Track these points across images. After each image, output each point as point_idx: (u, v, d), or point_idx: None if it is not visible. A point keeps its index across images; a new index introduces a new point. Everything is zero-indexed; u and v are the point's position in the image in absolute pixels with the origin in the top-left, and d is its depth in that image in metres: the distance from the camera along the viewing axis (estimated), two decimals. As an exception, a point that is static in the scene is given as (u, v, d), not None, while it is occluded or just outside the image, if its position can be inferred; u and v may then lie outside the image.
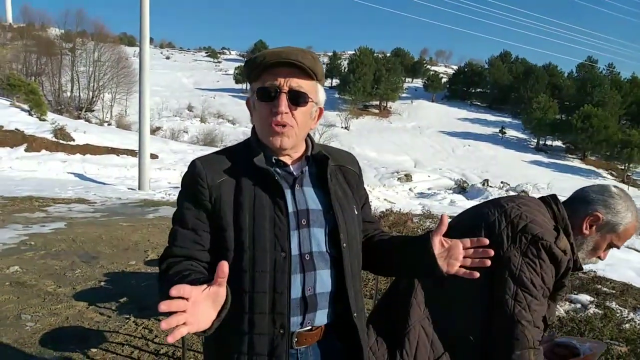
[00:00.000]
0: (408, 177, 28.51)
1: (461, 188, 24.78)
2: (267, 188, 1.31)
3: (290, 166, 1.39)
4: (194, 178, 1.32)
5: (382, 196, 19.47)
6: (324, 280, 1.33)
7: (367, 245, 1.52)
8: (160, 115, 44.72)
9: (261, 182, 1.32)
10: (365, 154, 34.17)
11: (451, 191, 24.25)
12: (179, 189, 1.39)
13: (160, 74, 59.49)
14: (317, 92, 1.38)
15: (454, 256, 1.33)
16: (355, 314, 1.36)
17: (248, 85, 1.42)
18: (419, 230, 8.32)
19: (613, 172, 39.78)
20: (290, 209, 1.31)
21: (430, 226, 8.95)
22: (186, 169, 1.37)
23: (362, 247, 1.50)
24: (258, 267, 1.26)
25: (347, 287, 1.35)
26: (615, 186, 1.74)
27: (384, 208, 11.25)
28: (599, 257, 1.68)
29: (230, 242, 1.28)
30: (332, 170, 1.42)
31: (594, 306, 5.47)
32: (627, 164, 39.10)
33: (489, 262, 1.28)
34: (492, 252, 1.27)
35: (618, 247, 1.67)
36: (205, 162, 1.35)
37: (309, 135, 1.44)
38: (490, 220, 1.62)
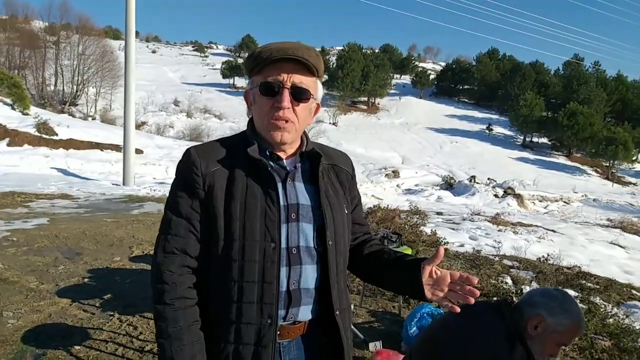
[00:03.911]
0: (396, 174, 28.57)
1: (448, 184, 24.94)
2: (260, 179, 1.32)
3: (284, 160, 1.39)
4: (188, 166, 1.33)
5: (370, 192, 19.53)
6: (309, 275, 1.35)
7: (357, 252, 1.54)
8: (145, 109, 44.20)
9: (254, 172, 1.32)
10: (353, 150, 34.19)
11: (438, 187, 24.40)
12: (173, 178, 1.39)
13: (146, 68, 58.82)
14: (317, 88, 1.40)
15: (440, 286, 1.33)
16: (337, 312, 1.38)
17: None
18: (406, 226, 8.36)
19: (598, 169, 40.29)
20: (281, 202, 1.32)
21: (417, 222, 8.99)
22: (180, 157, 1.37)
23: (352, 252, 1.52)
24: (248, 256, 1.27)
25: (331, 285, 1.37)
26: (556, 289, 1.93)
27: (372, 204, 11.26)
28: (551, 355, 1.83)
29: (220, 231, 1.28)
30: (324, 168, 1.44)
31: (579, 301, 5.53)
32: (611, 161, 39.62)
33: (472, 300, 1.29)
34: (477, 293, 1.28)
35: (566, 345, 1.85)
36: (200, 150, 1.35)
37: (304, 131, 1.45)
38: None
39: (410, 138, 41.13)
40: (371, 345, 3.90)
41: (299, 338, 1.39)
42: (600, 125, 42.53)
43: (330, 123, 42.25)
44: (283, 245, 1.30)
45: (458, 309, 1.32)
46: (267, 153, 1.37)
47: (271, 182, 1.32)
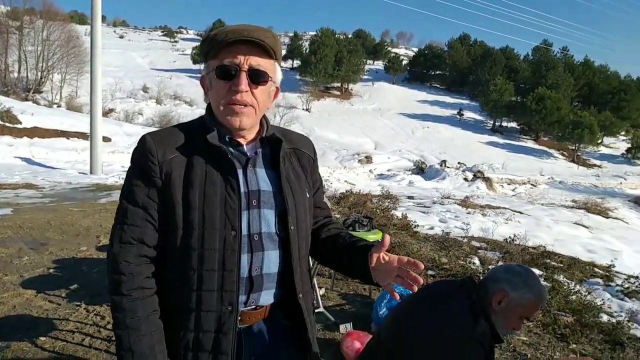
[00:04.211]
0: (368, 159, 28.74)
1: (419, 169, 25.26)
2: (219, 166, 1.30)
3: (244, 146, 1.37)
4: (144, 154, 1.29)
5: (343, 178, 19.59)
6: (271, 261, 1.34)
7: (316, 236, 1.54)
8: (113, 96, 43.11)
9: (213, 160, 1.30)
10: (326, 136, 34.20)
11: (410, 172, 24.68)
12: (129, 165, 1.35)
13: (113, 54, 57.22)
14: (276, 71, 1.37)
15: (388, 270, 1.32)
16: (300, 295, 1.40)
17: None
18: (377, 210, 8.45)
19: (564, 152, 41.36)
20: (242, 188, 1.30)
21: (389, 206, 9.10)
22: (136, 145, 1.33)
23: (312, 236, 1.51)
24: (207, 245, 1.25)
25: (294, 269, 1.37)
26: (519, 265, 1.99)
27: (344, 190, 11.32)
28: (514, 329, 1.91)
29: (179, 220, 1.26)
30: (285, 153, 1.42)
31: (543, 279, 5.71)
32: (577, 144, 40.71)
33: (415, 288, 1.28)
34: (421, 281, 1.28)
35: (528, 319, 1.82)
36: (156, 137, 1.32)
37: (264, 116, 1.43)
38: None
39: (383, 124, 41.34)
40: (341, 327, 3.95)
41: (260, 322, 1.40)
42: (567, 109, 43.58)
43: (303, 109, 42.06)
44: (244, 232, 1.29)
45: (397, 297, 1.34)
46: (227, 139, 1.34)
47: (231, 169, 1.30)
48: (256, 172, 1.36)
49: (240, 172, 1.32)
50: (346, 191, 10.23)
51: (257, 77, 1.30)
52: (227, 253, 1.26)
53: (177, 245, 1.27)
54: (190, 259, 1.26)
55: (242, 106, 1.29)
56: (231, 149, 1.34)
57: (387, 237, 1.33)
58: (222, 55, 1.29)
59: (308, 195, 1.46)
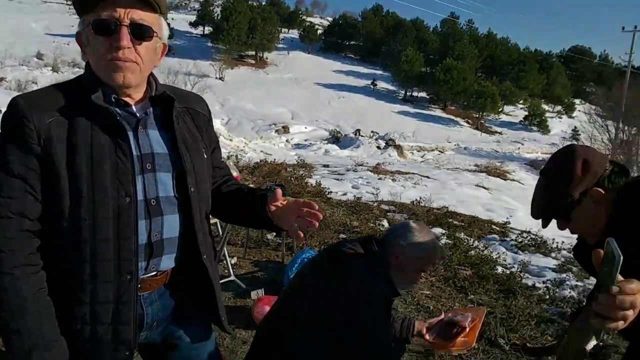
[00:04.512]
0: (285, 129, 28.64)
1: (335, 138, 25.67)
2: (107, 129, 1.20)
3: (133, 107, 1.26)
4: (17, 118, 1.14)
5: (259, 148, 19.39)
6: (171, 225, 1.30)
7: (215, 195, 1.50)
8: (3, 64, 38.94)
9: (99, 122, 1.19)
10: (242, 106, 33.51)
11: (326, 142, 25.03)
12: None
13: (4, 18, 51.41)
14: (161, 26, 1.28)
15: (287, 214, 1.35)
16: (204, 256, 1.36)
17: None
18: (291, 179, 8.47)
19: (469, 120, 43.85)
20: (134, 152, 1.22)
21: (303, 174, 9.16)
22: (5, 109, 1.16)
23: (212, 195, 1.47)
24: (99, 213, 1.17)
25: (196, 231, 1.33)
26: (414, 221, 2.11)
27: (259, 160, 11.22)
28: (413, 282, 2.02)
29: (65, 189, 1.16)
30: (178, 113, 1.35)
31: (445, 237, 6.06)
32: (480, 113, 43.33)
33: (316, 224, 1.31)
34: (320, 216, 1.30)
35: (425, 271, 2.03)
36: (30, 99, 1.18)
37: (152, 74, 1.32)
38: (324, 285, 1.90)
39: (299, 93, 41.22)
40: (253, 294, 3.94)
41: (161, 287, 1.35)
42: (472, 79, 46.04)
43: (216, 78, 40.66)
44: (140, 197, 1.22)
45: (302, 234, 1.35)
46: (113, 99, 1.23)
47: (120, 132, 1.20)
48: (148, 134, 1.28)
49: (130, 134, 1.23)
50: (260, 160, 10.14)
51: (141, 33, 1.19)
52: (122, 221, 1.19)
53: (65, 215, 1.16)
54: (80, 229, 1.17)
55: (124, 62, 1.18)
56: (118, 110, 1.24)
57: (279, 191, 1.36)
58: (99, 9, 1.16)
59: (206, 156, 1.41)
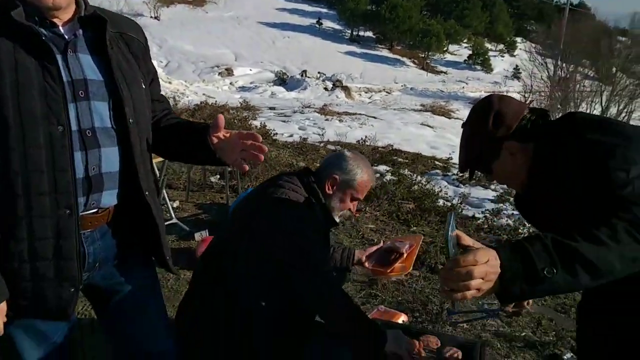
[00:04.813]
0: (229, 72, 27.63)
1: (281, 80, 25.15)
2: (32, 51, 1.10)
3: (60, 27, 1.16)
4: None
5: (202, 92, 18.69)
6: (110, 158, 1.23)
7: (155, 128, 1.43)
8: None
9: (23, 43, 1.09)
10: (180, 47, 31.84)
11: (272, 84, 24.47)
12: None
13: None
14: None
15: (231, 147, 1.30)
16: (147, 192, 1.32)
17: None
18: (234, 121, 8.26)
19: (415, 60, 43.97)
20: (64, 77, 1.13)
21: (247, 116, 8.94)
22: None
23: (152, 130, 1.40)
24: (30, 142, 1.09)
25: (137, 165, 1.28)
26: (348, 150, 2.09)
27: (199, 101, 10.83)
28: (350, 210, 1.99)
29: None
30: (111, 37, 1.25)
31: (390, 174, 6.17)
32: (426, 52, 43.50)
33: (262, 157, 1.27)
34: (265, 149, 1.27)
35: (360, 199, 2.00)
36: None
37: None
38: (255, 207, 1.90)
39: (241, 33, 39.59)
40: (197, 235, 3.89)
41: (103, 226, 1.30)
42: (418, 17, 45.77)
43: (151, 17, 38.14)
44: (74, 127, 1.15)
45: (247, 167, 1.30)
46: (36, 19, 1.11)
47: (48, 54, 1.10)
48: (79, 58, 1.18)
49: (59, 57, 1.13)
50: (201, 102, 9.77)
51: None
52: (56, 151, 1.11)
53: None
54: (10, 160, 1.08)
55: None
56: (44, 31, 1.13)
57: (221, 117, 1.30)
58: None
59: (144, 86, 1.33)
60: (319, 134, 8.45)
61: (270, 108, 13.96)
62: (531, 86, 20.38)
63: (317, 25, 46.40)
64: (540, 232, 1.18)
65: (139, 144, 1.28)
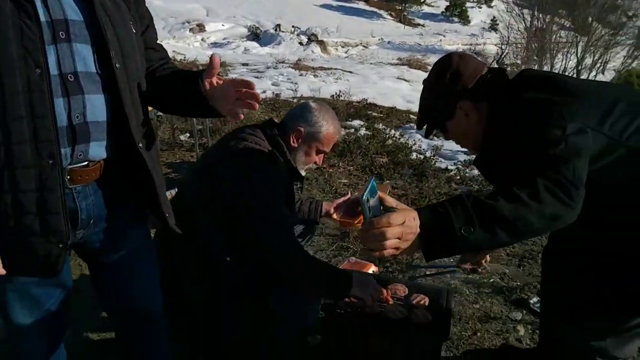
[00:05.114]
0: (201, 28, 26.66)
1: (255, 35, 24.47)
2: None
3: None
4: None
5: (172, 49, 18.07)
6: (95, 106, 1.16)
7: (150, 78, 1.37)
8: None
9: None
10: (149, 2, 30.47)
11: (245, 39, 23.81)
12: None
13: None
14: None
15: (225, 95, 1.23)
16: (140, 144, 1.25)
17: None
18: (206, 77, 8.04)
19: (392, 13, 43.09)
20: (43, 17, 1.06)
21: (218, 72, 8.66)
22: None
23: (147, 81, 1.34)
24: (6, 86, 1.03)
25: (127, 115, 1.20)
26: (314, 101, 2.02)
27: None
28: (315, 163, 1.97)
29: None
30: None
31: (364, 129, 6.12)
32: (403, 4, 42.62)
33: (256, 106, 1.21)
34: (259, 97, 1.21)
35: (326, 152, 1.97)
36: None
37: None
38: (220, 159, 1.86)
39: (212, -13, 38.13)
40: (167, 194, 3.81)
41: (95, 182, 1.25)
42: (394, -32, 44.62)
43: (118, -29, 36.46)
44: (54, 71, 1.08)
45: (242, 116, 1.25)
46: None
47: None
48: None
49: None
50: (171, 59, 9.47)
51: None
52: (34, 96, 1.05)
53: None
54: None
55: None
56: None
57: (216, 57, 1.22)
58: None
59: (134, 30, 1.26)
60: (292, 90, 8.29)
61: (243, 64, 13.61)
62: (508, 38, 20.23)
63: (291, -22, 44.91)
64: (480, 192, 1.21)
65: (128, 91, 1.21)
